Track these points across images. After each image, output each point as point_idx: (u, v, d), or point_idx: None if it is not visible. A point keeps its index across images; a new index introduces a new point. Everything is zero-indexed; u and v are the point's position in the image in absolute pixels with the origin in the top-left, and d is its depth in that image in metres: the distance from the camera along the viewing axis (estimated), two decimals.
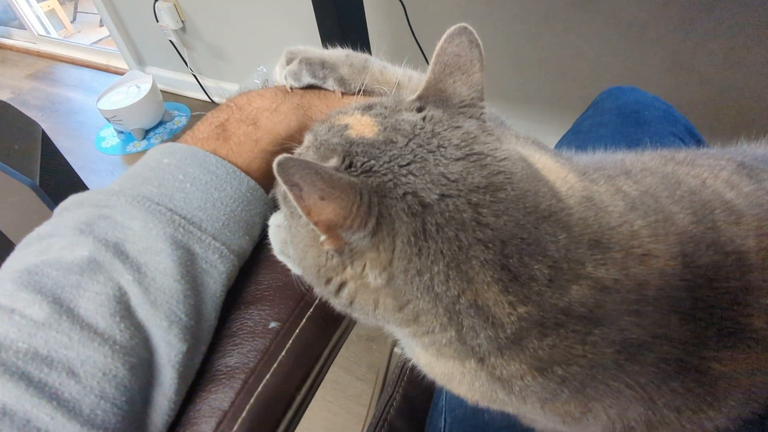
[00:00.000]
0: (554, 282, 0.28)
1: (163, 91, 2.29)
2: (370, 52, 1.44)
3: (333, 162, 0.30)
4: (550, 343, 0.28)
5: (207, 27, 2.03)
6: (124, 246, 0.33)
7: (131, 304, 0.32)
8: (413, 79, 0.43)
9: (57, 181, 1.14)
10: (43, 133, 1.17)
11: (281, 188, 0.33)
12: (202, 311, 0.34)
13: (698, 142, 0.63)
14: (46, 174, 1.04)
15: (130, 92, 2.13)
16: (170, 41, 2.11)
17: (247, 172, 0.39)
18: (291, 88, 0.44)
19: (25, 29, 3.14)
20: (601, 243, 0.29)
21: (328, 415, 1.19)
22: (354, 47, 1.33)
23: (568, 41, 1.31)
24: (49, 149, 1.14)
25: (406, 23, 1.43)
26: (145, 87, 2.11)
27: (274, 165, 0.25)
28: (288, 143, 0.38)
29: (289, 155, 0.26)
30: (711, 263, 0.29)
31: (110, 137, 2.24)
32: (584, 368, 0.28)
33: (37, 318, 0.29)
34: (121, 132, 2.20)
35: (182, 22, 2.05)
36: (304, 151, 0.33)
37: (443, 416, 0.50)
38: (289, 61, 0.43)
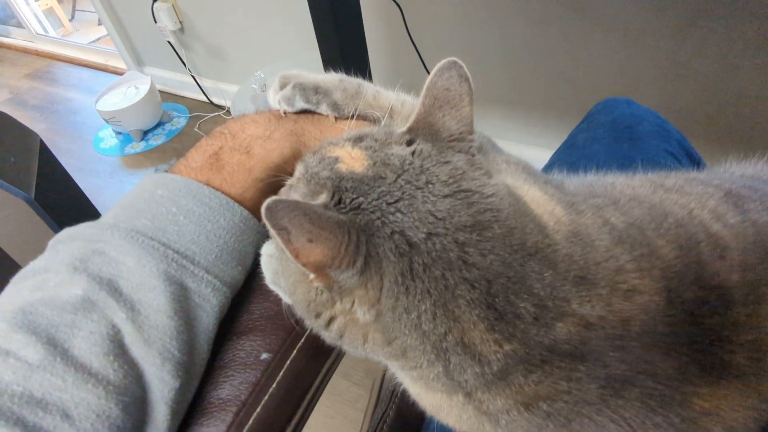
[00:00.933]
0: (539, 320, 0.28)
1: (161, 92, 2.29)
2: (367, 55, 1.44)
3: (322, 198, 0.30)
4: (536, 379, 0.28)
5: (205, 28, 2.03)
6: (117, 283, 0.34)
7: (125, 342, 0.32)
8: (406, 104, 0.43)
9: (56, 192, 1.14)
10: (42, 144, 1.16)
11: None
12: (194, 346, 0.35)
13: (691, 157, 0.63)
14: (43, 186, 1.04)
15: (128, 93, 2.13)
16: (168, 42, 2.10)
17: (240, 202, 0.40)
18: (285, 113, 0.44)
19: (23, 28, 3.13)
20: (587, 279, 0.29)
21: (325, 419, 1.20)
22: (350, 50, 1.33)
23: (565, 46, 1.31)
24: (47, 160, 1.14)
25: (403, 26, 1.43)
26: (144, 88, 2.10)
27: (263, 209, 0.25)
28: (280, 172, 0.38)
29: (277, 198, 0.26)
30: (694, 299, 0.30)
31: (109, 138, 2.24)
32: (569, 404, 0.29)
33: (31, 360, 0.29)
34: (120, 133, 2.20)
35: (180, 23, 2.05)
36: (295, 182, 0.34)
37: None
38: (282, 86, 0.43)
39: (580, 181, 0.45)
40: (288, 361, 0.35)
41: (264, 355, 0.35)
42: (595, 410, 0.29)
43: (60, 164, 1.25)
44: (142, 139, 2.17)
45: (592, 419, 0.29)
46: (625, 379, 0.29)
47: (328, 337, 0.33)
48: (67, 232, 0.36)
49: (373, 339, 0.31)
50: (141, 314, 0.33)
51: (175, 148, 2.14)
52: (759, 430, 0.29)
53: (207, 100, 2.28)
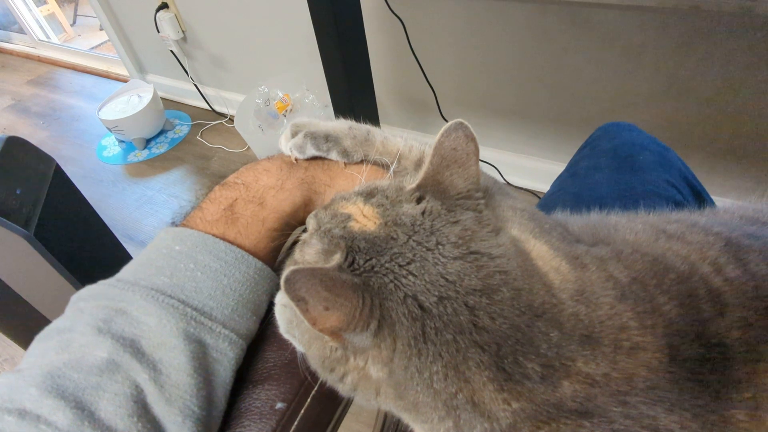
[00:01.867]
0: (546, 379, 0.29)
1: (163, 99, 2.30)
2: (369, 68, 1.44)
3: (336, 258, 0.31)
4: None
5: (208, 37, 2.04)
6: (140, 343, 0.35)
7: (147, 401, 0.34)
8: (413, 150, 0.44)
9: (65, 217, 1.13)
10: (57, 168, 1.17)
11: None
12: (213, 400, 0.36)
13: (692, 187, 0.64)
14: (49, 216, 1.04)
15: (131, 102, 2.14)
16: (171, 51, 2.11)
17: (254, 253, 0.41)
18: (296, 160, 0.45)
19: (25, 34, 3.14)
20: (592, 338, 0.30)
21: None
22: (353, 63, 1.33)
23: (567, 60, 1.32)
24: (60, 188, 1.14)
25: (405, 39, 1.44)
26: (147, 96, 2.12)
27: (282, 281, 0.26)
28: (291, 220, 0.39)
29: (295, 268, 0.27)
30: (696, 356, 0.31)
31: (112, 146, 2.25)
32: None
33: (61, 426, 0.30)
34: (123, 141, 2.21)
35: (183, 32, 2.06)
36: (309, 238, 0.35)
37: None
38: (294, 134, 0.45)
39: (583, 222, 0.46)
40: (302, 410, 0.37)
41: (279, 405, 0.37)
42: None
43: (76, 190, 1.26)
44: (145, 148, 2.18)
45: None
46: None
47: (342, 389, 0.34)
48: (89, 290, 0.38)
49: (385, 393, 0.32)
50: (162, 374, 0.34)
51: (179, 156, 2.15)
52: None
53: (209, 108, 2.30)
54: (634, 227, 0.42)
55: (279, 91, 1.56)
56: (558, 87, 1.39)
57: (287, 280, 0.26)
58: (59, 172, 1.17)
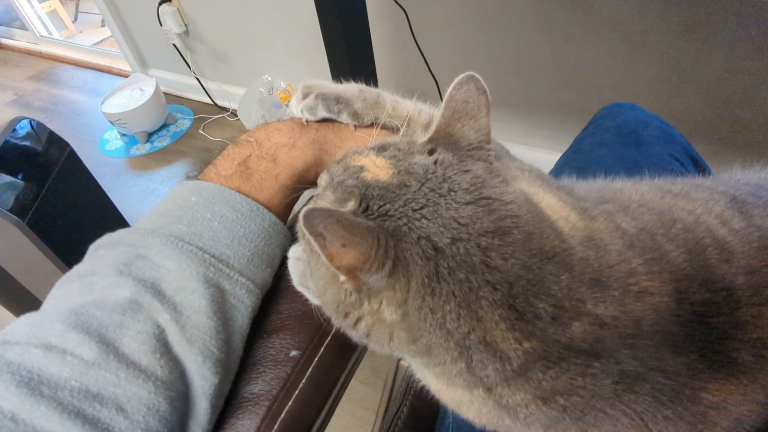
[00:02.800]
0: (557, 319, 0.30)
1: (165, 94, 2.31)
2: (373, 59, 1.45)
3: (350, 205, 0.32)
4: (553, 375, 0.30)
5: (210, 31, 2.05)
6: (160, 286, 0.36)
7: (169, 341, 0.34)
8: (423, 113, 0.45)
9: (72, 207, 1.14)
10: (70, 155, 1.17)
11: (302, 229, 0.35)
12: (231, 344, 0.37)
13: (695, 162, 0.65)
14: (51, 205, 1.05)
15: (133, 95, 2.14)
16: (173, 45, 2.12)
17: (268, 207, 0.42)
18: (307, 122, 0.46)
19: (27, 30, 3.14)
20: (601, 281, 0.31)
21: (333, 419, 1.22)
22: (357, 54, 1.34)
23: (568, 50, 1.32)
24: (70, 172, 1.15)
25: (409, 30, 1.45)
26: (149, 90, 2.12)
27: (300, 217, 0.27)
28: (303, 178, 0.40)
29: (313, 206, 0.28)
30: (703, 300, 0.31)
31: (114, 140, 2.26)
32: (584, 398, 0.31)
33: (87, 358, 0.31)
34: (125, 135, 2.22)
35: (186, 26, 2.07)
36: (321, 191, 0.36)
37: None
38: (305, 96, 0.45)
39: (589, 186, 0.46)
40: (316, 358, 0.37)
41: (293, 352, 0.37)
42: (608, 404, 0.31)
43: (89, 176, 1.27)
44: (147, 141, 2.19)
45: (606, 413, 0.31)
46: (637, 375, 0.30)
47: (355, 335, 0.34)
48: (108, 237, 0.38)
49: (398, 337, 0.32)
50: (183, 315, 0.35)
51: (180, 150, 2.16)
52: (764, 423, 0.31)
53: (211, 102, 2.30)
54: (640, 188, 0.43)
55: (282, 82, 1.57)
56: (560, 76, 1.40)
57: (306, 216, 0.27)
58: (72, 158, 1.18)
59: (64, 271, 0.37)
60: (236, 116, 2.20)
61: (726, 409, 0.31)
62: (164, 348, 0.34)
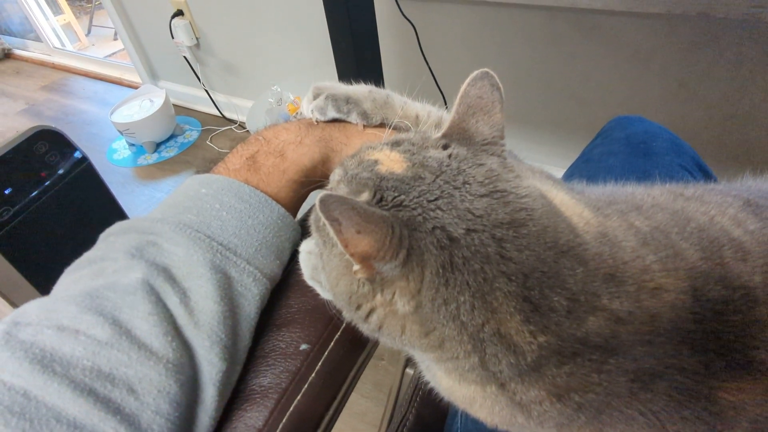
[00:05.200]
0: (572, 313, 0.29)
1: (175, 105, 2.34)
2: (381, 72, 1.46)
3: (365, 196, 0.32)
4: (568, 371, 0.30)
5: (221, 44, 2.08)
6: (171, 270, 0.36)
7: (178, 324, 0.34)
8: (432, 115, 0.46)
9: (83, 215, 1.17)
10: (87, 167, 1.20)
11: (316, 219, 0.35)
12: (238, 332, 0.37)
13: (705, 173, 0.65)
14: (44, 216, 1.08)
15: (143, 106, 2.17)
16: (184, 57, 2.15)
17: (276, 200, 0.42)
18: (316, 121, 0.46)
19: (41, 41, 3.20)
20: (616, 277, 0.31)
21: None
22: (366, 67, 1.36)
23: (574, 65, 1.34)
24: (86, 183, 1.18)
25: (417, 44, 1.47)
26: (158, 101, 2.15)
27: (317, 201, 0.27)
28: (311, 175, 0.40)
29: (329, 192, 0.28)
30: (719, 298, 0.31)
31: (122, 149, 2.28)
32: (600, 395, 0.30)
33: (100, 338, 0.31)
34: (133, 144, 2.24)
35: (197, 39, 2.10)
36: (335, 185, 0.36)
37: None
38: (315, 96, 0.46)
39: (600, 190, 0.46)
40: (326, 352, 0.37)
41: (303, 346, 0.37)
42: (624, 403, 0.30)
43: (107, 189, 1.30)
44: (155, 151, 2.21)
45: (622, 412, 0.30)
46: (653, 373, 0.30)
47: (367, 329, 0.34)
48: (119, 225, 0.39)
49: (410, 330, 0.32)
50: (191, 300, 0.35)
51: (187, 161, 2.17)
52: None
53: (219, 114, 2.33)
54: (652, 192, 0.43)
55: (290, 94, 1.59)
56: (565, 94, 1.41)
57: (323, 201, 0.27)
58: (89, 169, 1.21)
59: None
60: (243, 128, 2.22)
61: (744, 409, 0.30)
62: (175, 331, 0.34)
